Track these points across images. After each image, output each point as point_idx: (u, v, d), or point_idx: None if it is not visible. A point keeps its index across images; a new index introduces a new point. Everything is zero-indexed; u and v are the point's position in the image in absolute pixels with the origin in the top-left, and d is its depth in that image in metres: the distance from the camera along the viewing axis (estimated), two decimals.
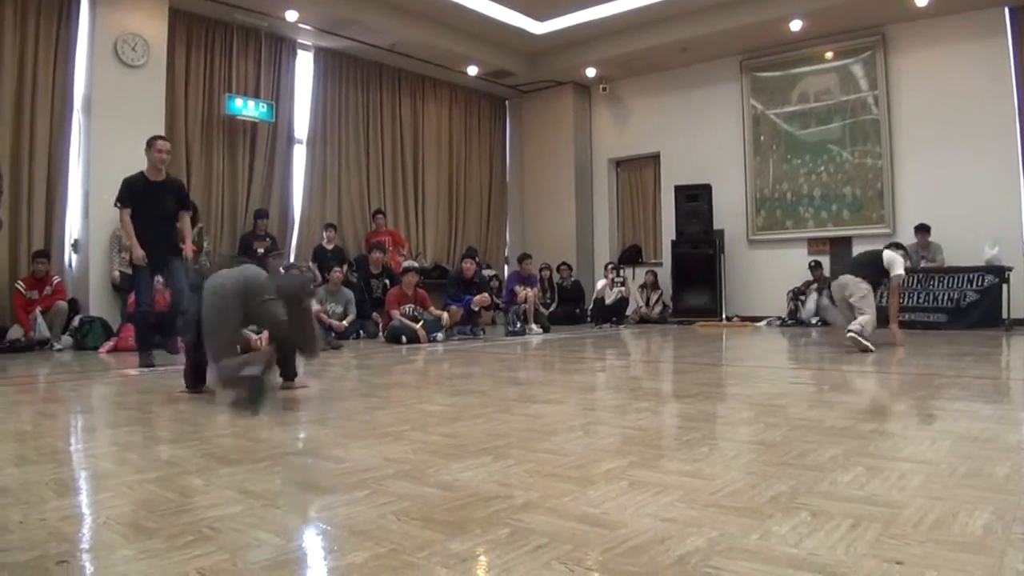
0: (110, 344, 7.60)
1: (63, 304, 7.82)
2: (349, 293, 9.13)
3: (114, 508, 1.97)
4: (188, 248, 6.17)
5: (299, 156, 10.79)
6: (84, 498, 2.17)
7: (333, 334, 8.43)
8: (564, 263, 12.53)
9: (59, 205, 8.28)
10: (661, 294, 12.11)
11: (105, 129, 8.28)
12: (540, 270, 11.87)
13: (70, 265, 8.53)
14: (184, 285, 6.16)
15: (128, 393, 4.50)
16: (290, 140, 10.62)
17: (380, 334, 8.92)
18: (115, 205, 6.02)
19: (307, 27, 10.27)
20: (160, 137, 6.23)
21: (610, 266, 11.86)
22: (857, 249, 10.10)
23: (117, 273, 8.23)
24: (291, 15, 9.72)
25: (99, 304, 8.26)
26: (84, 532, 1.81)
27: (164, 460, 2.55)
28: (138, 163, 6.17)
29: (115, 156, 8.14)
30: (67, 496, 2.15)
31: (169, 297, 6.40)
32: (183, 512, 1.92)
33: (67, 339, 7.82)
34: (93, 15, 8.41)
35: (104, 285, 8.33)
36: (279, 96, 10.40)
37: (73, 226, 8.52)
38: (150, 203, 5.96)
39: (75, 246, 8.52)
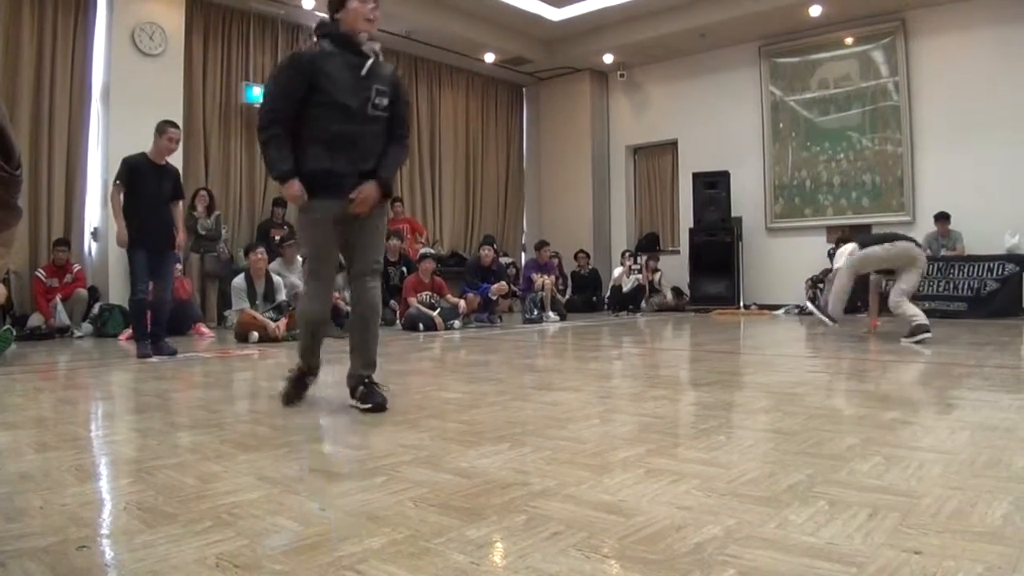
0: (129, 331, 7.64)
1: (83, 292, 7.90)
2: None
3: (134, 494, 1.99)
4: (181, 237, 6.07)
5: None
6: (104, 484, 2.19)
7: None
8: (581, 250, 12.48)
9: (79, 193, 8.38)
10: (662, 274, 11.99)
11: (124, 118, 8.30)
12: (549, 257, 11.80)
13: (90, 253, 8.60)
14: (172, 278, 6.11)
15: (147, 380, 4.53)
16: None
17: (397, 322, 8.94)
18: (114, 183, 5.78)
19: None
20: (172, 124, 5.99)
21: (627, 254, 11.81)
22: None
23: None
24: (307, 2, 9.70)
25: (119, 292, 8.30)
26: (104, 518, 1.83)
27: (183, 446, 2.57)
28: None
29: (134, 144, 8.10)
30: (87, 482, 2.17)
31: (154, 289, 5.88)
32: (202, 498, 1.93)
33: (87, 326, 7.91)
34: (111, 4, 8.43)
35: (123, 273, 8.33)
36: None
37: (92, 214, 8.58)
38: (151, 186, 5.74)
39: (95, 234, 8.58)
